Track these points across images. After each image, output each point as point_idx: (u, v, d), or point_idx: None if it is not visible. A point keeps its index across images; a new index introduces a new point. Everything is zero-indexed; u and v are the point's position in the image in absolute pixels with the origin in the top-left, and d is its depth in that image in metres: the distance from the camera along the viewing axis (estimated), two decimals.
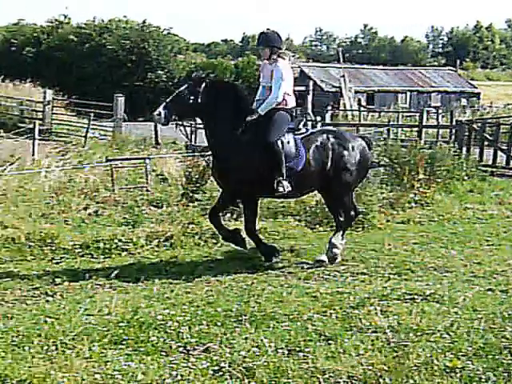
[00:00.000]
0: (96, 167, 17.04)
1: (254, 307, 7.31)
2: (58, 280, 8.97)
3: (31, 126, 26.93)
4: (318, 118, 24.41)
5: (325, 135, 10.04)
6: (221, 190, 10.31)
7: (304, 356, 5.97)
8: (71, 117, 36.89)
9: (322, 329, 6.64)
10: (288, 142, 9.66)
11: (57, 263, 9.98)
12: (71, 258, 10.24)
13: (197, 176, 14.76)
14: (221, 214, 10.35)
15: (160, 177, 17.72)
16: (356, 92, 45.91)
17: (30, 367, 5.56)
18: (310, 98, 39.48)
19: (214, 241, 11.15)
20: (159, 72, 49.62)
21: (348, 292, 8.04)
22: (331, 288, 8.27)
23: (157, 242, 10.98)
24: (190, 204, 13.57)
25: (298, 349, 6.13)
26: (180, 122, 10.10)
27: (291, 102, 9.94)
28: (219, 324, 6.73)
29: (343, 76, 44.69)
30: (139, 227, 12.06)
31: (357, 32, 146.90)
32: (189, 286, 8.60)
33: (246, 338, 6.34)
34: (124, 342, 6.22)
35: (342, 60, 54.67)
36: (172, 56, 51.63)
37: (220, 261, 10.09)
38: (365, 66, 58.09)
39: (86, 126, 30.95)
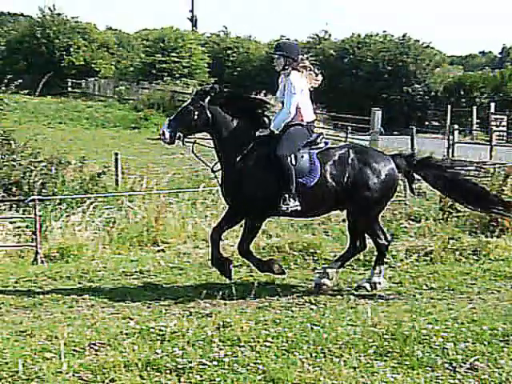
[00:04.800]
0: None
1: None
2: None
3: None
4: None
5: (345, 150, 9.23)
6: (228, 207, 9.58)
7: None
8: (328, 130, 37.62)
9: None
10: (302, 157, 9.01)
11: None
12: None
13: None
14: (223, 232, 9.57)
15: (417, 190, 17.59)
16: None
17: (300, 372, 5.79)
18: None
19: (476, 257, 10.92)
20: (416, 85, 49.38)
21: None
22: None
23: (416, 257, 10.94)
24: (449, 219, 13.37)
25: None
26: (190, 140, 9.38)
27: (308, 116, 9.31)
28: (485, 343, 6.59)
29: None
30: (398, 241, 12.10)
31: None
32: (451, 303, 8.51)
33: None
34: (389, 355, 6.29)
35: None
36: (429, 69, 51.12)
37: (482, 278, 9.84)
38: None
39: (343, 139, 31.47)
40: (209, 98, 9.11)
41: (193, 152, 9.53)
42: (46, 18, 59.92)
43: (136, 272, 10.17)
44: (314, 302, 8.66)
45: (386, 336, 6.66)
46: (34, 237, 12.11)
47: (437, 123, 49.92)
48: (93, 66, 57.43)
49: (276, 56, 9.39)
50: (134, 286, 9.48)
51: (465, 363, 6.12)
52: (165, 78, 49.88)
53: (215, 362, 5.92)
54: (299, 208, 8.92)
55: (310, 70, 9.38)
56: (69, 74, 55.20)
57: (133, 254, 11.54)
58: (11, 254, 12.22)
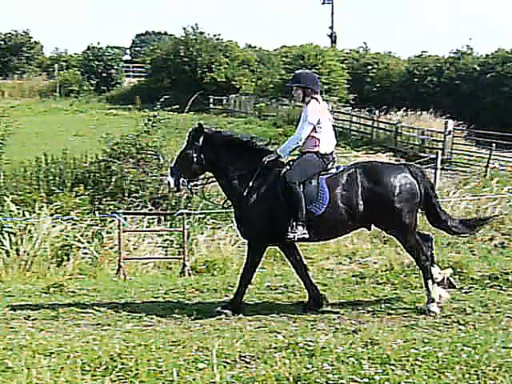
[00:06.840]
0: (502, 199, 16.81)
1: None
2: (468, 310, 9.06)
3: (431, 155, 27.35)
4: None
5: (352, 171, 8.85)
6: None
7: None
8: (470, 147, 36.74)
9: None
10: (310, 183, 8.68)
11: (465, 293, 10.01)
12: (480, 288, 10.22)
13: None
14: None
15: None
16: None
17: None
18: None
19: None
20: None
21: None
22: None
23: None
24: None
25: None
26: (194, 185, 9.28)
27: (325, 147, 8.92)
28: None
29: None
30: None
31: None
32: None
33: None
34: None
35: None
36: None
37: None
38: None
39: (486, 156, 30.65)
40: (202, 138, 9.02)
41: (202, 193, 9.59)
42: (189, 36, 61.53)
43: (281, 286, 10.27)
44: (462, 322, 8.50)
45: None
46: (181, 250, 12.47)
47: None
48: (234, 82, 58.39)
49: (294, 87, 9.12)
50: (279, 301, 9.58)
51: None
52: None
53: (366, 380, 5.87)
54: (307, 236, 8.76)
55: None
56: (210, 90, 56.35)
57: (277, 269, 11.68)
58: (159, 266, 12.65)
